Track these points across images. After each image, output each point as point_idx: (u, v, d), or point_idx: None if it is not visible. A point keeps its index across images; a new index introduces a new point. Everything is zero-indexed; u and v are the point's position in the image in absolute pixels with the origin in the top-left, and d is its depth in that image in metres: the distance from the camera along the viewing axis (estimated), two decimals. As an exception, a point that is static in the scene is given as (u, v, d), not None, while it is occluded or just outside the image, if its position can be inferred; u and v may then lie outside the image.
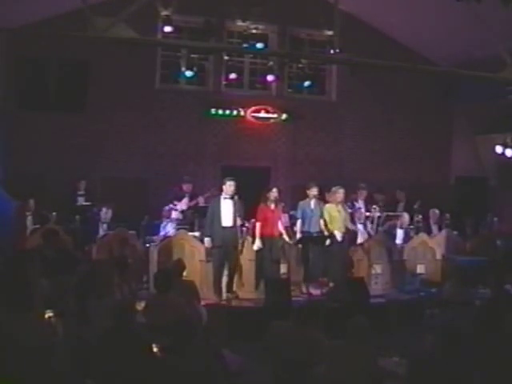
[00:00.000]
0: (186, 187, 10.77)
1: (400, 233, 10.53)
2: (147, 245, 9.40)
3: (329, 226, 9.33)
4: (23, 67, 8.93)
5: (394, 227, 10.62)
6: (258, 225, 9.03)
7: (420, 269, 9.66)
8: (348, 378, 4.72)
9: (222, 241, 8.63)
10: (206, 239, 8.77)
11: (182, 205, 10.49)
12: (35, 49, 9.28)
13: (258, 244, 8.97)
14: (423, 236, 10.33)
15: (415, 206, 11.29)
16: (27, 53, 9.26)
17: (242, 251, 8.94)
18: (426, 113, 13.55)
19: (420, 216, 10.78)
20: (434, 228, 10.97)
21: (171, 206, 10.27)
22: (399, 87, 13.13)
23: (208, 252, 8.88)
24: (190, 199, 10.63)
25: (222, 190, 8.85)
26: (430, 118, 13.61)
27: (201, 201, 10.52)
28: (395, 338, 7.23)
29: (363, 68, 9.89)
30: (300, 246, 9.40)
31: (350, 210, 10.20)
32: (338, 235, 9.25)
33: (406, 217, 10.63)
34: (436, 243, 10.26)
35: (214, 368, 4.71)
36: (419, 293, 9.25)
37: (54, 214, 9.68)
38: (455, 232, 10.80)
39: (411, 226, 10.63)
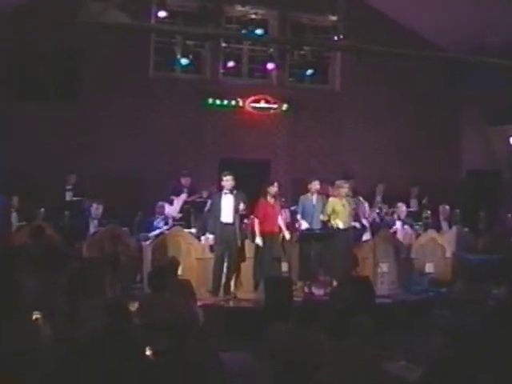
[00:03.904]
0: (185, 181, 10.62)
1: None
2: (141, 242, 9.20)
3: (331, 220, 9.11)
4: (15, 57, 8.68)
5: None
6: (256, 221, 8.88)
7: (429, 267, 9.64)
8: (350, 380, 4.69)
9: (221, 238, 8.56)
10: (210, 236, 8.70)
11: (180, 199, 10.27)
12: (28, 38, 8.97)
13: (258, 241, 8.85)
14: (432, 233, 10.21)
15: (423, 202, 11.18)
16: (19, 42, 8.97)
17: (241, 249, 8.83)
18: (435, 103, 13.27)
19: (429, 212, 10.68)
20: (444, 225, 10.85)
21: (165, 201, 10.02)
22: (407, 76, 12.79)
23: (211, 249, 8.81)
24: (189, 194, 10.46)
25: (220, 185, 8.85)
26: (439, 109, 13.32)
27: (204, 194, 10.35)
28: (402, 340, 7.08)
29: (369, 55, 9.57)
30: (301, 242, 9.20)
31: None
32: (341, 225, 9.03)
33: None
34: (446, 240, 10.16)
35: (209, 369, 4.68)
36: (428, 293, 9.19)
37: (42, 210, 9.50)
38: (466, 229, 10.68)
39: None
